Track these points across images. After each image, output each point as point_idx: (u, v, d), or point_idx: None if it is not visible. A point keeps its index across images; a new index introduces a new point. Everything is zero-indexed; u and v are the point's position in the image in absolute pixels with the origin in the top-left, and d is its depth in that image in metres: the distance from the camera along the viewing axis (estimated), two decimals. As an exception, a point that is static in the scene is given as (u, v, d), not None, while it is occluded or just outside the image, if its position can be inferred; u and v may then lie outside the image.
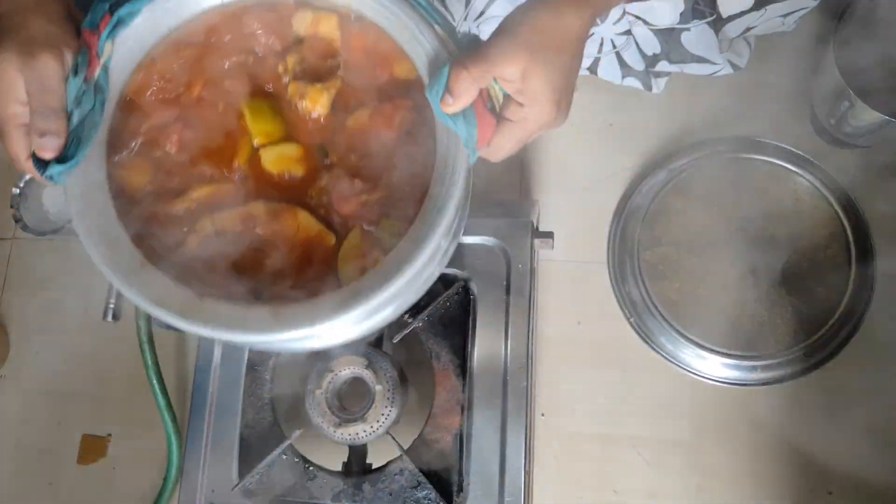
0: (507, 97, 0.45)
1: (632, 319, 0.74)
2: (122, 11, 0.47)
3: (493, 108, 0.45)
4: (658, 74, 0.73)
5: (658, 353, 0.73)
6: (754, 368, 0.71)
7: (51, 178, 0.43)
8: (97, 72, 0.46)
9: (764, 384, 0.71)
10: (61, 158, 0.43)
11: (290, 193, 0.48)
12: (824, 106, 0.70)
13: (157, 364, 0.75)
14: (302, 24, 0.50)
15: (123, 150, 0.47)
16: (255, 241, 0.47)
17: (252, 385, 0.66)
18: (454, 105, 0.43)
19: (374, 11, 0.49)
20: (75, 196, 0.44)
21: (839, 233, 0.72)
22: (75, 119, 0.44)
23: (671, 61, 0.69)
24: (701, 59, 0.68)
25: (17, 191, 0.82)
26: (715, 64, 0.69)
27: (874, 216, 0.73)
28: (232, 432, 0.65)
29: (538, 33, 0.43)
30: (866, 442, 0.69)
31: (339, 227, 0.47)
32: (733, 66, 0.71)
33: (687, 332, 0.72)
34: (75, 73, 0.45)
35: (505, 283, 0.64)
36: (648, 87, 0.74)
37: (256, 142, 0.49)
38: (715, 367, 0.71)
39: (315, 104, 0.49)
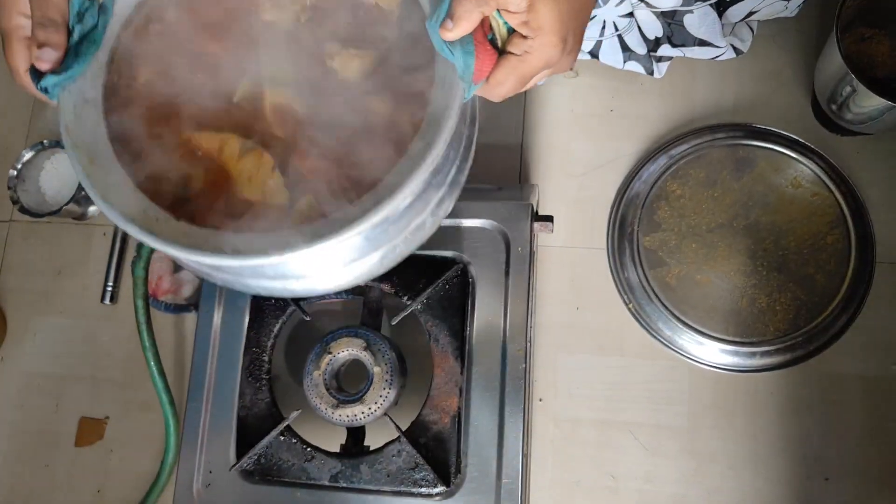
0: (511, 33, 0.43)
1: (630, 305, 0.74)
2: None
3: (493, 41, 0.43)
4: (660, 59, 0.72)
5: (656, 338, 0.73)
6: (753, 355, 0.71)
7: (45, 90, 0.43)
8: None
9: (762, 370, 0.71)
10: (57, 71, 0.43)
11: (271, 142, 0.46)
12: (826, 92, 0.70)
13: (154, 346, 0.75)
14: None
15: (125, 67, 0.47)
16: (217, 172, 0.45)
17: (250, 366, 0.66)
18: (454, 30, 0.41)
19: None
20: (67, 109, 0.43)
21: (839, 220, 0.72)
22: (76, 35, 0.44)
23: (673, 45, 0.69)
24: (704, 43, 0.68)
25: (14, 172, 0.82)
26: (718, 47, 0.68)
27: (874, 203, 0.72)
28: (230, 413, 0.65)
29: None
30: (863, 429, 0.69)
31: (295, 189, 0.45)
32: (736, 50, 0.71)
33: (685, 317, 0.72)
34: None
35: (504, 266, 0.64)
36: (650, 72, 0.74)
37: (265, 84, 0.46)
38: (713, 352, 0.71)
39: (345, 70, 0.47)
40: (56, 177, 0.84)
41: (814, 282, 0.71)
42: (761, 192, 0.73)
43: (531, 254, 0.65)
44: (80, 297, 0.84)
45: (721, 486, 0.70)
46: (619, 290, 0.75)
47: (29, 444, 0.81)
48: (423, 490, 0.60)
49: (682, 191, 0.75)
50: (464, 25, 0.41)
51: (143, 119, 0.46)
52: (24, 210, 0.81)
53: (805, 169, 0.73)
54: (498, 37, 0.44)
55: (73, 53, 0.44)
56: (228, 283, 0.48)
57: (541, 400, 0.74)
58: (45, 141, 0.83)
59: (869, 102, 0.65)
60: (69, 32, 0.44)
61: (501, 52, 0.43)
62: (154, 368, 0.74)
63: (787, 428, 0.70)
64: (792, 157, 0.74)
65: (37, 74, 0.43)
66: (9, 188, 0.81)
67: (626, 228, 0.75)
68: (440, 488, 0.59)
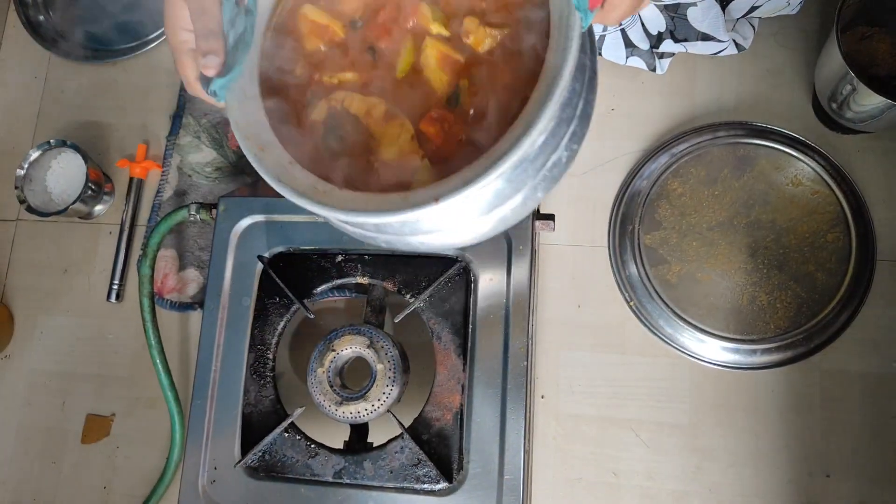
0: None
1: (632, 303, 0.74)
2: None
3: None
4: (662, 55, 0.73)
5: (658, 336, 0.73)
6: (753, 352, 0.71)
7: (214, 93, 0.48)
8: None
9: (763, 368, 0.71)
10: (221, 75, 0.48)
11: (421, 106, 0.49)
12: (826, 90, 0.70)
13: (160, 343, 0.75)
14: None
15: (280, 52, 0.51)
16: (364, 134, 0.49)
17: (255, 364, 0.67)
18: None
19: None
20: (233, 107, 0.49)
21: (840, 218, 0.72)
22: (231, 39, 0.49)
23: (676, 39, 0.69)
24: (706, 37, 0.68)
25: (22, 172, 0.83)
26: (720, 42, 0.69)
27: (875, 201, 0.73)
28: (234, 410, 0.66)
29: None
30: (864, 426, 0.69)
31: (435, 158, 0.48)
32: (738, 46, 0.71)
33: (686, 315, 0.72)
34: None
35: (506, 264, 0.65)
36: (652, 68, 0.74)
37: (433, 29, 0.50)
38: (714, 350, 0.72)
39: (478, 46, 0.49)
40: (62, 176, 0.85)
41: (814, 279, 0.71)
42: (762, 191, 0.74)
43: (532, 252, 0.65)
44: (86, 295, 0.85)
45: (722, 482, 0.70)
46: (620, 288, 0.75)
47: (36, 441, 0.82)
48: (425, 486, 0.60)
49: (683, 189, 0.75)
50: None
51: (295, 100, 0.51)
52: (30, 209, 0.82)
53: (805, 167, 0.73)
54: None
55: (231, 56, 0.49)
56: (391, 243, 0.51)
57: (543, 397, 0.74)
58: (51, 141, 0.84)
59: (869, 101, 0.65)
60: (225, 38, 0.48)
61: None
62: (159, 366, 0.75)
63: (788, 425, 0.70)
64: (792, 156, 0.74)
65: (205, 81, 0.48)
66: (16, 188, 0.82)
67: (628, 226, 0.75)
68: (443, 484, 0.60)
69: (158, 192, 0.85)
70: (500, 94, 0.49)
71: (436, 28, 0.51)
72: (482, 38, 0.50)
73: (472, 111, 0.49)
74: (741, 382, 0.72)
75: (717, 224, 0.74)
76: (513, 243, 0.65)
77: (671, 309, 0.72)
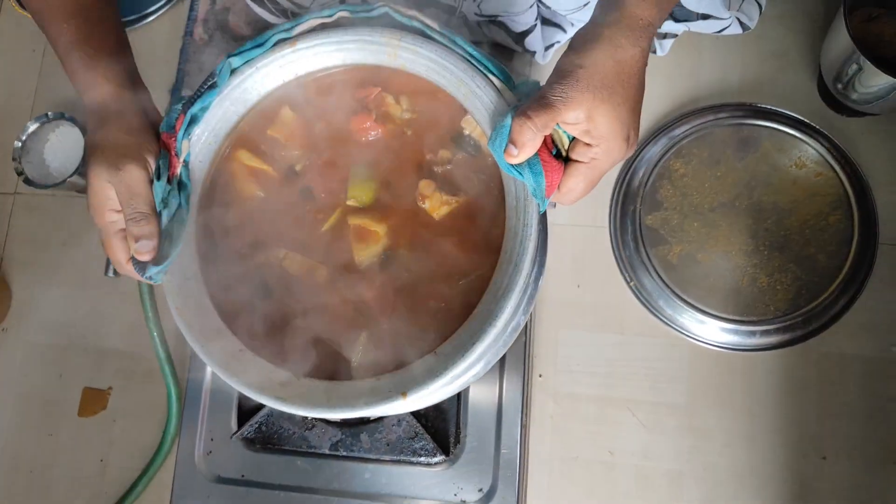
0: (573, 139, 0.43)
1: (632, 283, 0.74)
2: (194, 109, 0.49)
3: (558, 154, 0.44)
4: (665, 35, 0.72)
5: (657, 316, 0.73)
6: (752, 333, 0.71)
7: (150, 278, 0.46)
8: (178, 170, 0.48)
9: (761, 349, 0.71)
10: (157, 259, 0.46)
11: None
12: (832, 71, 0.69)
13: (157, 317, 0.75)
14: (469, 124, 0.51)
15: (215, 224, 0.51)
16: (302, 300, 0.48)
17: (252, 337, 0.67)
18: (518, 156, 0.42)
19: (428, 69, 0.49)
20: (173, 292, 0.47)
21: (842, 200, 0.72)
22: (164, 218, 0.47)
23: (676, 20, 0.68)
24: (706, 16, 0.67)
25: (20, 144, 0.82)
26: (722, 19, 0.68)
27: (878, 184, 0.72)
28: (231, 383, 0.66)
29: (598, 73, 0.41)
30: (862, 409, 0.69)
31: (367, 318, 0.48)
32: (742, 25, 0.71)
33: (686, 295, 0.72)
34: (158, 176, 0.47)
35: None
36: (653, 50, 0.73)
37: (349, 202, 0.50)
38: (713, 331, 0.72)
39: (433, 212, 0.50)
40: (60, 149, 0.84)
41: (815, 262, 0.71)
42: (765, 172, 0.73)
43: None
44: (84, 268, 0.85)
45: (717, 462, 0.70)
46: (620, 268, 0.75)
47: (33, 413, 0.82)
48: (422, 459, 0.60)
49: (685, 170, 0.75)
50: (527, 151, 0.42)
51: (238, 264, 0.50)
52: (28, 182, 0.81)
53: (809, 149, 0.73)
54: (561, 148, 0.44)
55: (166, 237, 0.46)
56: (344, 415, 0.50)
57: (540, 376, 0.74)
58: (49, 113, 0.83)
59: (876, 81, 0.65)
60: (158, 218, 0.47)
61: (566, 159, 0.44)
62: (156, 339, 0.75)
63: (785, 407, 0.70)
64: (796, 137, 0.73)
65: (140, 265, 0.46)
66: (13, 160, 0.81)
67: (629, 207, 0.75)
68: (439, 458, 0.60)
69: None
70: (435, 259, 0.48)
71: (353, 201, 0.51)
72: (438, 205, 0.50)
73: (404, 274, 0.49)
74: (739, 364, 0.72)
75: (719, 205, 0.73)
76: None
77: (671, 289, 0.72)
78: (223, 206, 0.51)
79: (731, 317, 0.71)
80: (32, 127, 0.82)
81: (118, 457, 0.79)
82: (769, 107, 0.75)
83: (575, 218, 0.77)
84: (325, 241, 0.49)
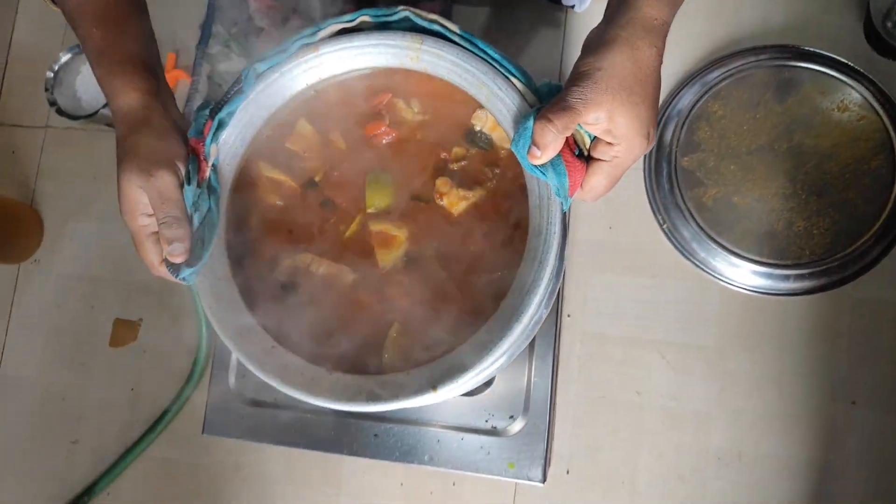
0: (594, 138, 0.44)
1: (665, 225, 0.74)
2: (222, 114, 0.50)
3: (580, 154, 0.45)
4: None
5: (689, 259, 0.73)
6: (786, 278, 0.70)
7: (183, 279, 0.47)
8: (207, 174, 0.49)
9: (794, 294, 0.71)
10: (190, 261, 0.47)
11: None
12: (883, 6, 0.67)
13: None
14: (480, 119, 0.52)
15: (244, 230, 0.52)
16: (333, 303, 0.50)
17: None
18: (542, 158, 0.43)
19: (450, 72, 0.49)
20: (206, 292, 0.48)
21: (885, 146, 0.70)
22: (196, 221, 0.48)
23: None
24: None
25: (51, 74, 0.82)
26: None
27: (923, 129, 0.71)
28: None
29: (617, 75, 0.42)
30: (893, 356, 0.69)
31: (394, 316, 0.49)
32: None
33: (720, 238, 0.71)
34: (188, 181, 0.48)
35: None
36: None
37: (369, 210, 0.52)
38: (746, 274, 0.71)
39: (452, 208, 0.51)
40: (92, 82, 0.84)
41: (854, 207, 0.70)
42: (805, 115, 0.72)
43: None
44: (114, 201, 0.84)
45: (745, 406, 0.70)
46: (653, 210, 0.74)
47: (65, 343, 0.84)
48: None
49: (724, 111, 0.73)
50: (550, 152, 0.43)
51: (266, 268, 0.51)
52: (60, 112, 0.81)
53: (853, 92, 0.71)
54: (583, 147, 0.45)
55: (198, 240, 0.48)
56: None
57: (569, 316, 0.74)
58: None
59: (928, 17, 0.63)
60: (190, 221, 0.48)
61: (588, 157, 0.45)
62: (188, 270, 0.75)
63: (815, 352, 0.70)
64: (840, 80, 0.72)
65: (173, 268, 0.47)
66: (46, 90, 0.81)
67: (665, 148, 0.74)
68: (471, 386, 0.60)
69: (188, 101, 0.84)
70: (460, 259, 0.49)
71: (372, 209, 0.52)
72: (456, 201, 0.51)
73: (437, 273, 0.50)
74: (770, 308, 0.71)
75: (757, 148, 0.72)
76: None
77: (705, 232, 0.71)
78: (249, 210, 0.52)
79: (765, 260, 0.70)
80: (64, 58, 0.82)
81: (148, 386, 0.81)
82: (813, 49, 0.73)
83: (608, 160, 0.76)
84: (348, 248, 0.51)
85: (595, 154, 0.44)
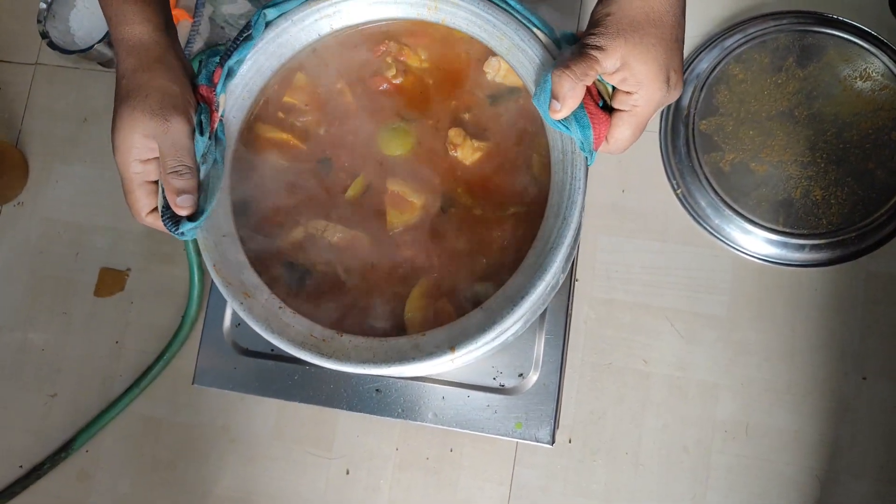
0: (615, 89, 0.43)
1: (679, 190, 0.71)
2: (231, 61, 0.47)
3: (605, 106, 0.43)
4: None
5: (702, 225, 0.71)
6: (801, 248, 0.69)
7: (182, 234, 0.44)
8: (216, 125, 0.47)
9: (808, 265, 0.69)
10: (193, 215, 0.44)
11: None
12: (914, -29, 0.66)
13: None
14: (493, 67, 0.50)
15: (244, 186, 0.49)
16: (349, 268, 0.48)
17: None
18: (562, 110, 0.42)
19: (469, 23, 0.47)
20: (210, 248, 0.45)
21: (906, 117, 0.69)
22: (202, 173, 0.45)
23: None
24: None
25: (45, 5, 0.78)
26: None
27: (945, 103, 0.69)
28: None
29: (626, 17, 0.40)
30: (905, 332, 0.67)
31: (411, 275, 0.47)
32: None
33: (736, 204, 0.69)
34: (200, 130, 0.45)
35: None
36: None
37: (387, 152, 0.50)
38: (759, 243, 0.69)
39: (465, 159, 0.49)
40: (87, 17, 0.80)
41: (873, 177, 0.68)
42: (827, 83, 0.70)
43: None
44: (105, 145, 0.81)
45: (755, 377, 0.68)
46: (668, 174, 0.72)
47: (47, 291, 0.80)
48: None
49: (745, 75, 0.71)
50: (570, 103, 0.42)
51: (273, 231, 0.48)
52: (52, 45, 0.77)
53: (877, 61, 0.70)
54: (607, 98, 0.43)
55: (203, 192, 0.45)
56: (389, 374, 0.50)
57: (577, 280, 0.72)
58: (76, -22, 0.79)
59: (961, -19, 0.61)
60: (198, 175, 0.45)
61: (611, 109, 0.43)
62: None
63: (828, 324, 0.68)
64: (864, 48, 0.70)
65: (173, 220, 0.44)
66: (38, 21, 0.77)
67: (683, 111, 0.72)
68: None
69: (189, 42, 0.80)
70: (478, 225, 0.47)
71: (386, 151, 0.49)
72: (469, 153, 0.49)
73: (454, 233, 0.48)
74: (784, 278, 0.69)
75: (777, 114, 0.70)
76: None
77: (720, 198, 0.69)
78: (254, 165, 0.50)
79: (780, 229, 0.68)
80: (58, -10, 0.78)
81: (134, 339, 0.77)
82: (836, 16, 0.71)
83: (623, 121, 0.74)
84: (357, 206, 0.49)
85: (615, 104, 0.43)
